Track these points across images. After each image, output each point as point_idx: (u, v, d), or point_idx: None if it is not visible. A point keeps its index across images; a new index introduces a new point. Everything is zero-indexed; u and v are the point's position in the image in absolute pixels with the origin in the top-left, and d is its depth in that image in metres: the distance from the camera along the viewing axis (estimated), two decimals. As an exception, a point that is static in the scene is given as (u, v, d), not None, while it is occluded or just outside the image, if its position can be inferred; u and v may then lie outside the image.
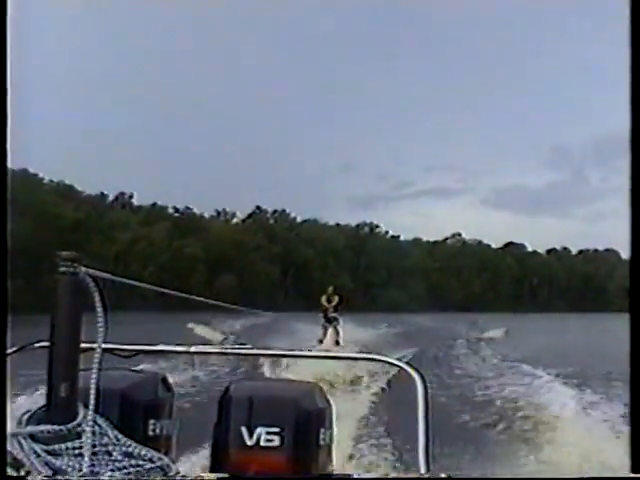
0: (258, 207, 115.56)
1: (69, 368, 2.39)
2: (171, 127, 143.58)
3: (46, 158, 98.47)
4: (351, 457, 9.36)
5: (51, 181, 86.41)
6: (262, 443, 2.95)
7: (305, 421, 3.03)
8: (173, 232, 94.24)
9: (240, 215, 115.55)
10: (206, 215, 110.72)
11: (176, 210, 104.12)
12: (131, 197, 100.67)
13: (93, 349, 2.49)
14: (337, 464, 3.31)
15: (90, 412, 2.40)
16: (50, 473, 2.25)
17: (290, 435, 2.97)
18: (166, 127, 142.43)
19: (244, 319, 40.79)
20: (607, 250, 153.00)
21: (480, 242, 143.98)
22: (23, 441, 2.29)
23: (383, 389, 15.69)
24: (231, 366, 18.08)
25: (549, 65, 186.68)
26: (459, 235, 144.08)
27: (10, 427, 2.36)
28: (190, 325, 36.84)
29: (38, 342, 2.98)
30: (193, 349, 3.69)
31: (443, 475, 2.76)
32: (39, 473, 2.23)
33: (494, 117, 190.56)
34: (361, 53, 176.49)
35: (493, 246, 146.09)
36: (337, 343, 28.00)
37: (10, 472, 2.24)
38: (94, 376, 2.45)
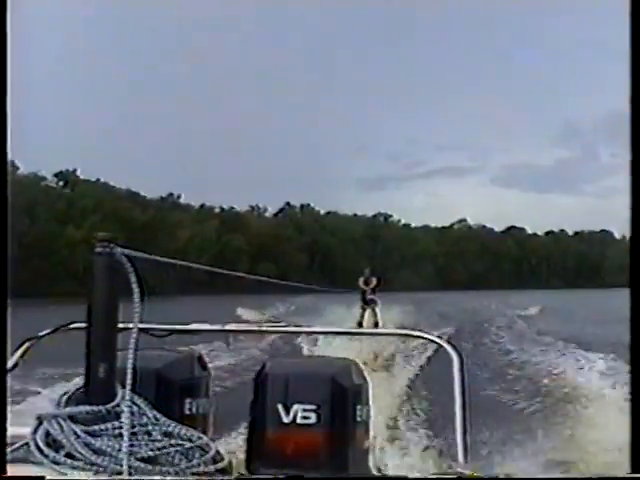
0: (288, 203, 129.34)
1: (107, 349, 2.43)
2: (188, 125, 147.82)
3: (111, 167, 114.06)
4: (389, 433, 9.41)
5: (119, 188, 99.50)
6: (299, 420, 2.99)
7: (342, 398, 3.05)
8: (221, 229, 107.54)
9: (271, 210, 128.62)
10: (240, 209, 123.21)
11: (222, 209, 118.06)
12: (179, 197, 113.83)
13: (129, 329, 2.53)
14: (374, 441, 3.35)
15: (128, 392, 2.44)
16: (90, 453, 2.29)
17: (327, 412, 3.01)
18: (184, 126, 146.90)
19: (287, 303, 41.63)
20: (602, 231, 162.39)
21: (484, 227, 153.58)
22: (63, 422, 2.34)
23: (422, 367, 15.55)
24: (269, 348, 17.85)
25: (559, 42, 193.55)
26: (464, 221, 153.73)
27: (49, 409, 2.43)
28: (238, 311, 35.50)
29: (71, 323, 3.21)
30: (228, 327, 3.83)
31: (462, 472, 2.83)
32: (79, 454, 2.29)
33: (504, 95, 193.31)
34: (373, 35, 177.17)
35: (496, 229, 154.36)
36: (376, 325, 27.40)
37: (50, 453, 2.29)
38: (131, 356, 2.48)
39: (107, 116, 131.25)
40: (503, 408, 11.99)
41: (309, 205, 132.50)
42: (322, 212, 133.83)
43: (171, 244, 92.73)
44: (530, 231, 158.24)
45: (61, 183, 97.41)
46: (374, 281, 29.21)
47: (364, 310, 28.54)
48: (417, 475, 4.91)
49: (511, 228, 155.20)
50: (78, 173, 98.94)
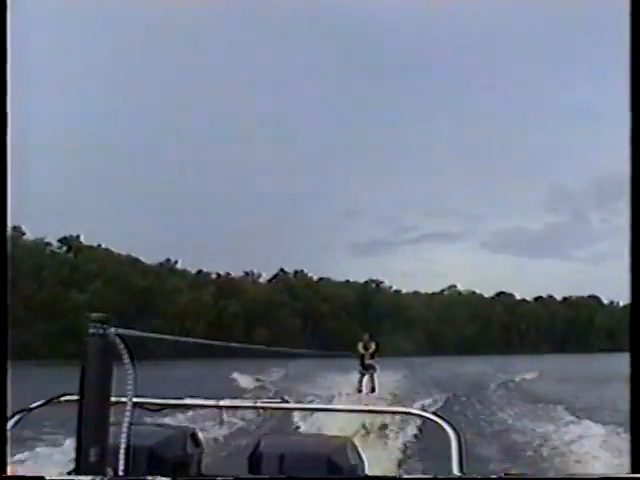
0: (282, 269, 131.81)
1: (99, 431, 2.38)
2: (180, 190, 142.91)
3: (110, 232, 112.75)
4: None
5: (119, 254, 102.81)
6: None
7: (337, 478, 3.15)
8: (217, 294, 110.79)
9: (265, 275, 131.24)
10: (235, 275, 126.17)
11: (218, 275, 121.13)
12: (176, 263, 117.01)
13: (122, 403, 2.52)
14: None
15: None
16: None
17: None
18: (177, 191, 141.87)
19: (283, 368, 40.86)
20: (590, 296, 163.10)
21: (474, 292, 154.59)
22: None
23: (416, 435, 15.23)
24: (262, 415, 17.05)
25: (547, 107, 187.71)
26: (454, 287, 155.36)
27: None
28: (234, 375, 36.19)
29: (63, 395, 3.13)
30: (222, 403, 3.70)
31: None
32: None
33: (493, 160, 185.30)
34: (362, 99, 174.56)
35: (485, 295, 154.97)
36: (373, 390, 27.62)
37: None
38: (124, 439, 2.46)
39: (104, 181, 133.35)
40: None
41: (302, 271, 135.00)
42: (315, 278, 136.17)
43: (170, 308, 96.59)
44: (519, 297, 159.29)
45: (65, 248, 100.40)
46: (373, 346, 29.07)
47: (362, 376, 28.36)
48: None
49: (500, 294, 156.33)
50: (81, 239, 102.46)
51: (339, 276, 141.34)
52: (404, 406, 19.32)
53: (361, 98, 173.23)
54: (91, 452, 2.32)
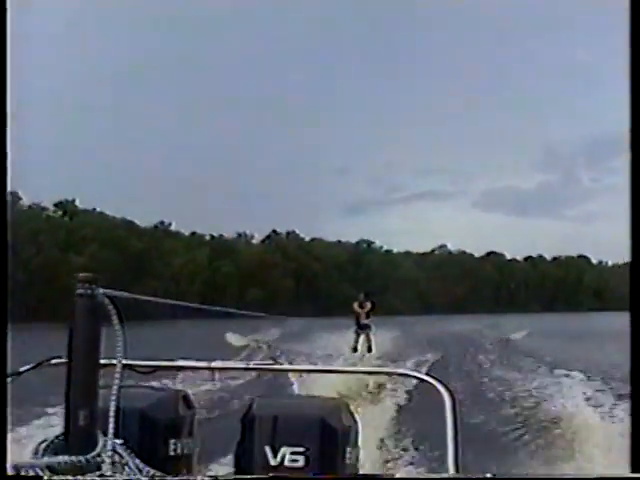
0: (274, 230, 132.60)
1: (88, 394, 2.35)
2: (173, 153, 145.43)
3: (105, 195, 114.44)
4: (377, 470, 9.02)
5: (114, 217, 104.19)
6: (286, 463, 2.98)
7: (331, 440, 3.08)
8: (212, 255, 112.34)
9: (258, 236, 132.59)
10: (228, 236, 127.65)
11: (212, 237, 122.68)
12: (170, 225, 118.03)
13: (112, 365, 2.46)
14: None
15: (109, 441, 2.36)
16: None
17: (316, 455, 3.01)
18: (169, 154, 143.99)
19: (278, 328, 40.23)
20: (579, 256, 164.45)
21: (464, 252, 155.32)
22: (40, 472, 2.20)
23: (410, 396, 15.11)
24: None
25: (540, 66, 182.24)
26: (445, 246, 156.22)
27: (27, 456, 2.31)
28: (228, 335, 35.17)
29: (53, 358, 3.06)
30: (214, 364, 3.78)
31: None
32: None
33: (486, 119, 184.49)
34: (354, 59, 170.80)
35: (476, 255, 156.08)
36: (369, 349, 27.54)
37: None
38: (113, 402, 2.42)
39: (98, 144, 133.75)
40: (495, 437, 11.81)
41: (294, 232, 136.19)
42: (307, 238, 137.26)
43: (166, 270, 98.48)
44: (509, 256, 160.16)
45: (60, 213, 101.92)
46: (369, 305, 28.97)
47: (358, 335, 28.25)
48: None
49: (490, 253, 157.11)
50: (77, 203, 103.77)
51: (331, 236, 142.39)
52: (401, 365, 20.55)
53: (352, 57, 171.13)
54: (80, 415, 2.33)
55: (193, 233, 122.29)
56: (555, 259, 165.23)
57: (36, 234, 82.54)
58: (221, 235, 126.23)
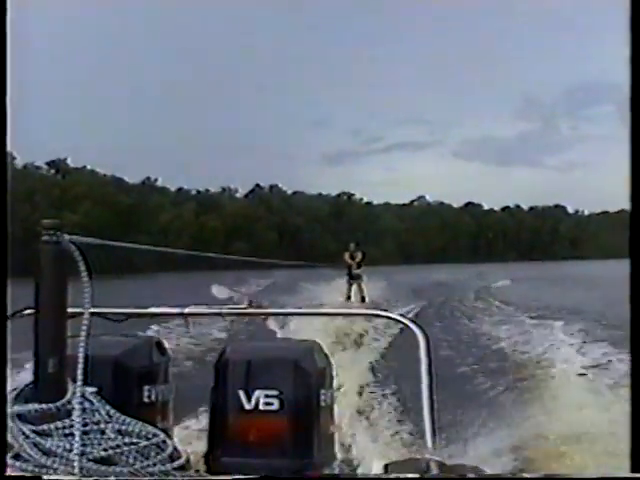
0: (257, 184, 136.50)
1: (56, 342, 2.33)
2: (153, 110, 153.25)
3: (93, 153, 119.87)
4: (356, 415, 8.80)
5: (105, 175, 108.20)
6: (261, 407, 2.99)
7: (305, 383, 3.07)
8: (198, 210, 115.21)
9: (242, 190, 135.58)
10: (213, 191, 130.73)
11: (198, 192, 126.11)
12: (156, 180, 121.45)
13: (81, 314, 2.42)
14: (339, 425, 3.40)
15: (79, 388, 2.33)
16: (39, 455, 2.18)
17: (290, 398, 3.01)
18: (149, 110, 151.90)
19: (264, 279, 39.89)
20: (555, 206, 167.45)
21: (442, 203, 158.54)
22: (10, 422, 2.23)
23: (390, 343, 14.75)
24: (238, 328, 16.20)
25: (520, 15, 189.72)
26: (423, 197, 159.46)
27: None
28: (214, 288, 33.88)
29: (26, 309, 3.01)
30: (187, 310, 3.74)
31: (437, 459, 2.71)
32: (28, 455, 2.18)
33: (464, 68, 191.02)
34: (331, 7, 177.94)
35: (454, 206, 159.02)
36: (363, 300, 27.15)
37: None
38: (82, 348, 2.38)
39: (83, 101, 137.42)
40: (476, 387, 11.26)
41: (277, 186, 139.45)
42: (289, 192, 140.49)
43: (154, 225, 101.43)
44: (487, 207, 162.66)
45: (53, 171, 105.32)
46: (359, 255, 28.86)
47: (351, 285, 28.14)
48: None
49: (468, 204, 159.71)
50: (68, 162, 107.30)
51: (312, 188, 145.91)
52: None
53: (329, 11, 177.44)
54: (49, 363, 2.30)
55: (179, 189, 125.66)
56: (532, 209, 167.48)
57: (32, 193, 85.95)
58: (207, 190, 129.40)
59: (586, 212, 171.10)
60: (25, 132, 73.95)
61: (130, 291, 31.61)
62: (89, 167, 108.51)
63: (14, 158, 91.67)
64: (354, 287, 28.10)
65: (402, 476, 2.64)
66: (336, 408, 3.27)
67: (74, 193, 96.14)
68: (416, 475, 2.57)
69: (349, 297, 27.82)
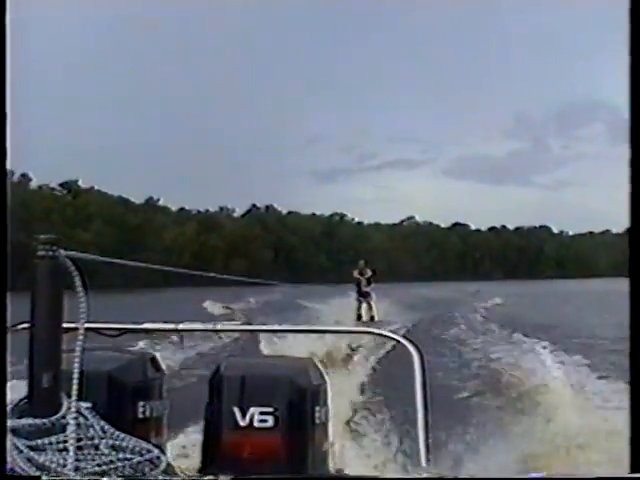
0: (254, 205, 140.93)
1: (51, 356, 2.33)
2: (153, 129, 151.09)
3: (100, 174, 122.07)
4: (349, 432, 8.77)
5: (112, 195, 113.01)
6: (255, 424, 3.01)
7: (300, 400, 3.09)
8: (199, 229, 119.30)
9: (239, 210, 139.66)
10: (211, 210, 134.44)
11: (198, 212, 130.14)
12: (158, 200, 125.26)
13: (76, 329, 2.43)
14: (333, 442, 3.35)
15: (74, 403, 2.33)
16: (33, 470, 2.15)
17: (285, 415, 3.03)
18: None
19: (260, 296, 39.39)
20: (540, 227, 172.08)
21: (431, 223, 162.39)
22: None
23: (379, 361, 14.93)
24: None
25: (511, 35, 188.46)
26: (413, 218, 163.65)
27: None
28: (206, 304, 34.63)
29: (21, 323, 2.89)
30: (181, 326, 3.69)
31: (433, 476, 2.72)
32: (21, 470, 2.15)
33: (456, 88, 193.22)
34: (324, 24, 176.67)
35: (442, 226, 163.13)
36: (372, 319, 26.74)
37: None
38: (77, 364, 2.36)
39: (90, 125, 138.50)
40: (472, 406, 11.20)
41: (272, 205, 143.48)
42: (284, 212, 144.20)
43: (158, 243, 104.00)
44: (474, 227, 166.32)
45: (65, 192, 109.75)
46: (369, 272, 28.63)
47: (360, 303, 27.77)
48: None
49: (456, 224, 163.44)
50: (79, 183, 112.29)
51: (306, 207, 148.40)
52: (400, 332, 18.66)
53: (323, 30, 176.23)
54: (44, 378, 2.30)
55: (181, 209, 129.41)
56: (517, 229, 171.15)
57: (48, 213, 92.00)
58: (207, 210, 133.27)
59: (570, 233, 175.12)
60: (39, 154, 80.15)
61: (139, 306, 31.44)
62: (96, 187, 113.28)
63: (30, 179, 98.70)
64: (364, 305, 27.74)
65: (400, 476, 2.84)
66: (330, 425, 3.28)
67: (86, 213, 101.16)
68: (412, 475, 2.68)
69: (359, 316, 27.32)
